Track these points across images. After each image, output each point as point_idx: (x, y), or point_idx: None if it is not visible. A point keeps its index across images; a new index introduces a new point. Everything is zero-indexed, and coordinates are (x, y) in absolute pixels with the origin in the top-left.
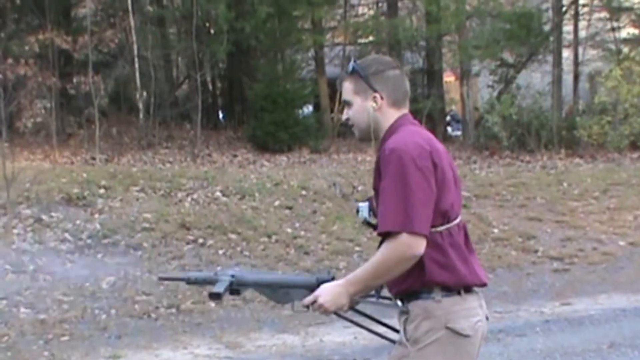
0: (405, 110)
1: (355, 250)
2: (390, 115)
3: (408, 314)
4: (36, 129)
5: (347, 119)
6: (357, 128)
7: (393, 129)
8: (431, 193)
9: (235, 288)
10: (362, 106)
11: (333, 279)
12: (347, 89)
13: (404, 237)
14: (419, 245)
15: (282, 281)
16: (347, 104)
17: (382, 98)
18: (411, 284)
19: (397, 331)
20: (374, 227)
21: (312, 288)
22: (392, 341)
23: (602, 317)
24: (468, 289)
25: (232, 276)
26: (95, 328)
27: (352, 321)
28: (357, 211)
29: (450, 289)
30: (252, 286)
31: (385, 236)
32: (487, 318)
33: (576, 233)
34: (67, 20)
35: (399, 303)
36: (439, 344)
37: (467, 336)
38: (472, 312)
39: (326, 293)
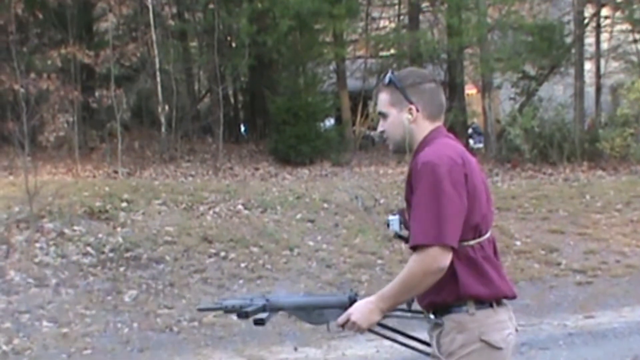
0: (440, 123)
1: (378, 264)
2: (425, 128)
3: (441, 327)
4: (59, 143)
5: (382, 132)
6: (392, 140)
7: (427, 141)
8: (462, 206)
9: (259, 319)
10: (397, 118)
11: (357, 296)
12: (383, 100)
13: (434, 250)
14: (446, 259)
15: (315, 303)
16: (383, 115)
17: (417, 110)
18: (445, 297)
19: (428, 344)
20: (406, 240)
21: (345, 307)
22: (426, 354)
23: (626, 330)
24: (499, 302)
25: (267, 300)
26: (118, 342)
27: (385, 337)
28: (388, 225)
29: (484, 302)
30: (286, 309)
31: (414, 249)
32: (516, 330)
33: (599, 246)
34: (89, 35)
35: (432, 316)
36: (473, 356)
37: (500, 349)
38: (504, 324)
39: (358, 311)
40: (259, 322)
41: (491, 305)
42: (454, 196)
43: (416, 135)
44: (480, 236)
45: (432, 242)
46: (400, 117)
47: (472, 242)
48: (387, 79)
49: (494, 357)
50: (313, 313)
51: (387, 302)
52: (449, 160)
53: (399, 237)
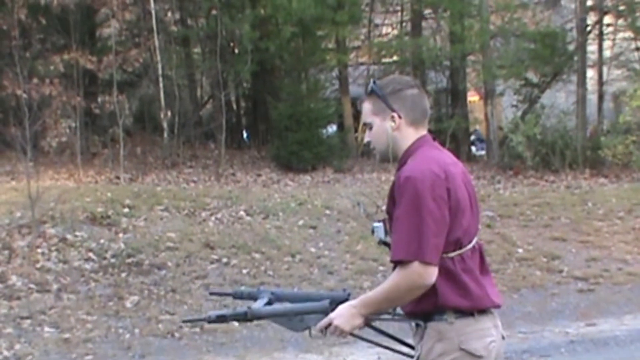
0: (424, 130)
1: (379, 270)
2: (409, 135)
3: (423, 331)
4: (61, 149)
5: (369, 142)
6: (378, 150)
7: (411, 151)
8: (444, 223)
9: (251, 318)
10: (381, 126)
11: (349, 295)
12: (367, 110)
13: (416, 266)
14: (431, 275)
15: (296, 310)
16: (368, 126)
17: (400, 117)
18: (424, 307)
19: (413, 347)
20: (390, 246)
21: (326, 312)
22: (411, 357)
23: (628, 338)
24: (481, 311)
25: (249, 308)
26: (119, 347)
27: (369, 340)
28: (373, 231)
29: (464, 312)
30: (267, 318)
31: (397, 263)
32: (503, 337)
33: (601, 253)
34: (91, 40)
35: (413, 323)
36: None
37: (480, 357)
38: (485, 332)
39: (340, 315)
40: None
41: (472, 314)
42: (435, 212)
43: (400, 143)
44: (460, 248)
45: (411, 258)
46: (383, 126)
47: (451, 254)
48: (368, 88)
49: None
50: (294, 319)
51: (369, 308)
52: (431, 174)
53: (383, 243)
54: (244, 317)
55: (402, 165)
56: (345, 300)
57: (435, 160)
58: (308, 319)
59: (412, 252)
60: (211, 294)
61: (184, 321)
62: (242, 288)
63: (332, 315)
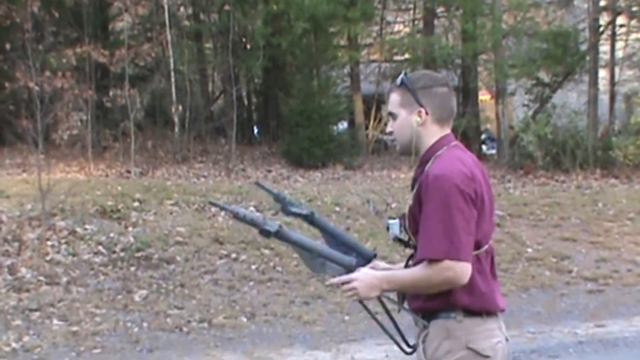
0: (449, 129)
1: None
2: (433, 133)
3: (427, 331)
4: (72, 141)
5: (391, 132)
6: (399, 142)
7: (435, 149)
8: (474, 222)
9: (279, 236)
10: (406, 119)
11: (375, 256)
12: (394, 101)
13: (448, 264)
14: (466, 273)
15: (323, 252)
16: (392, 116)
17: (427, 113)
18: (434, 304)
19: (409, 345)
20: (405, 243)
21: (349, 269)
22: (404, 351)
23: (637, 339)
24: (489, 313)
25: (280, 226)
26: (127, 341)
27: (371, 314)
28: (387, 228)
29: (473, 312)
30: (293, 243)
31: (425, 260)
32: (507, 339)
33: (611, 254)
34: (104, 34)
35: (420, 319)
36: None
37: (487, 357)
38: (492, 333)
39: (362, 280)
40: (266, 233)
41: (480, 315)
42: (466, 210)
43: (424, 139)
44: (479, 249)
45: (442, 256)
46: (409, 120)
47: None
48: (399, 80)
49: None
50: (317, 259)
51: (391, 285)
52: (460, 174)
53: (398, 240)
54: (270, 233)
55: (425, 163)
56: (370, 260)
57: (462, 160)
58: (330, 266)
59: (444, 251)
60: (211, 203)
61: (210, 202)
62: (249, 214)
63: (353, 275)
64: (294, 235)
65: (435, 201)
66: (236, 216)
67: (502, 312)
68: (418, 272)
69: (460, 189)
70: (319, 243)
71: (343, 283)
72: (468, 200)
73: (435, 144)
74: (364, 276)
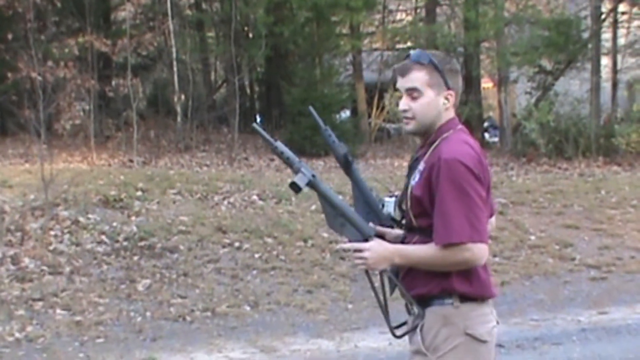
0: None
1: None
2: (447, 116)
3: (422, 320)
4: (75, 131)
5: (405, 110)
6: (419, 121)
7: (442, 131)
8: (485, 202)
9: (311, 185)
10: (434, 100)
11: (392, 227)
12: (420, 78)
13: (470, 246)
14: (485, 255)
15: (347, 213)
16: (416, 91)
17: (453, 97)
18: (431, 289)
19: (395, 335)
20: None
21: (366, 238)
22: (394, 334)
23: None
24: (484, 298)
25: (313, 176)
26: (131, 330)
27: (373, 287)
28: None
29: (469, 298)
30: (322, 196)
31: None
32: (497, 322)
33: (614, 241)
34: (106, 24)
35: (416, 306)
36: (459, 350)
37: (485, 342)
38: (487, 317)
39: (375, 251)
40: (296, 188)
41: (475, 300)
42: (480, 192)
43: (440, 122)
44: None
45: (466, 240)
46: (437, 101)
47: None
48: (425, 57)
49: (480, 351)
50: (338, 218)
51: (403, 260)
52: (471, 157)
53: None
54: (307, 183)
55: (430, 145)
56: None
57: (470, 144)
58: (348, 229)
59: (467, 234)
60: (254, 129)
61: (255, 128)
62: (288, 151)
63: (367, 245)
64: (325, 188)
65: (451, 184)
66: (274, 150)
67: (494, 297)
68: (434, 251)
69: (474, 172)
70: (346, 204)
71: (355, 250)
72: (481, 182)
73: (442, 126)
74: (378, 247)
